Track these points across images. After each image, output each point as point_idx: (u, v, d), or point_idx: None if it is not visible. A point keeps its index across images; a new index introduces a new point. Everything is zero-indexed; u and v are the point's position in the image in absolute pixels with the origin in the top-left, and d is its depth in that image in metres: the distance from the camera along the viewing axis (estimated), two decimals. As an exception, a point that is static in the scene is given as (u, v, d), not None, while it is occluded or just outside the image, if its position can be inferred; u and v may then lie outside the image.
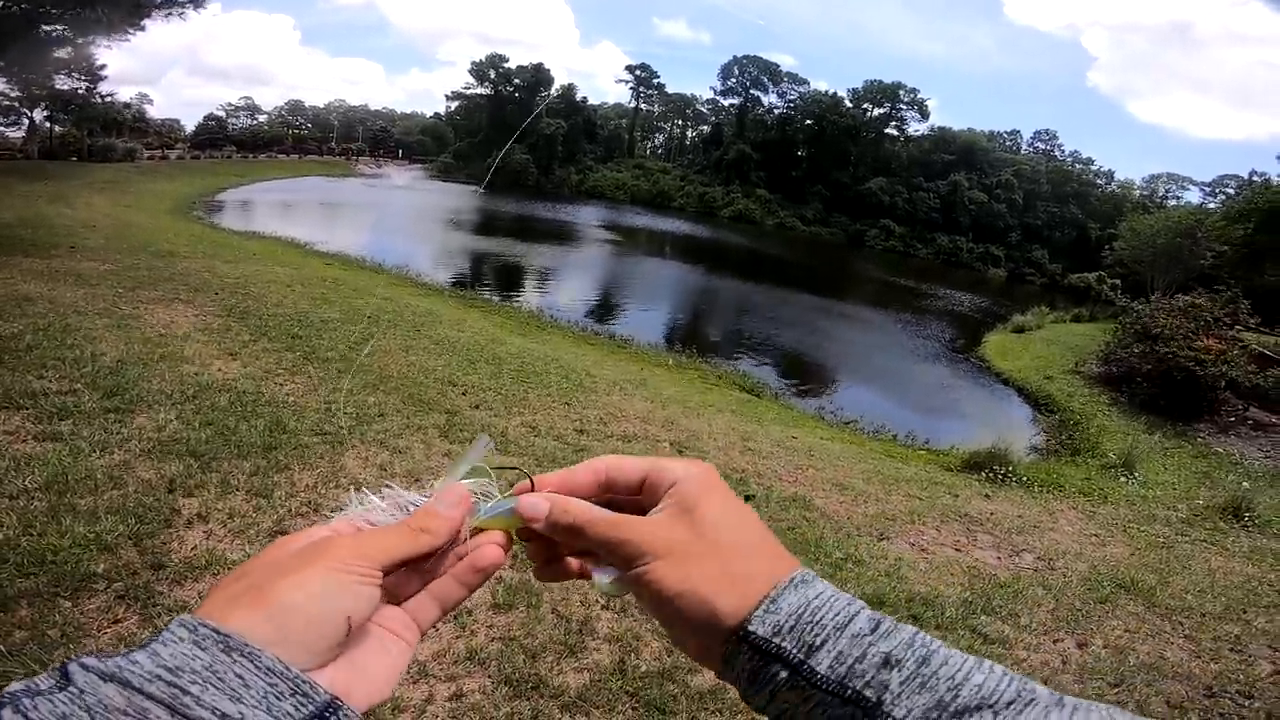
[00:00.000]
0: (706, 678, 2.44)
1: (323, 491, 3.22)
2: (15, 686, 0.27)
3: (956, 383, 15.93)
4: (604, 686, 2.31)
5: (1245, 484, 8.05)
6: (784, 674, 0.35)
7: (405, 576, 0.42)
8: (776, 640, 0.35)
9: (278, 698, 0.30)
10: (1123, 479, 8.29)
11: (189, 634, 0.30)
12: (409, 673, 2.22)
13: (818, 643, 0.35)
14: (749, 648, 0.36)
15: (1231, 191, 49.81)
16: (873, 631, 0.35)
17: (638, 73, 76.09)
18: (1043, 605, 3.57)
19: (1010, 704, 0.31)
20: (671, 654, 2.53)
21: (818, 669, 0.34)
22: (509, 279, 19.49)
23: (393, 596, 0.41)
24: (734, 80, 69.61)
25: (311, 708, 0.30)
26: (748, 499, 4.33)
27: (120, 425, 3.48)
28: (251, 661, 0.30)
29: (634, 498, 0.44)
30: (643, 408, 6.29)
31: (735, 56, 70.13)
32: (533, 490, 0.44)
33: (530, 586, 2.75)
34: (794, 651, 0.35)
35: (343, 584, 0.35)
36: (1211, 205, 43.05)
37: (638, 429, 5.50)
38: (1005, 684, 0.32)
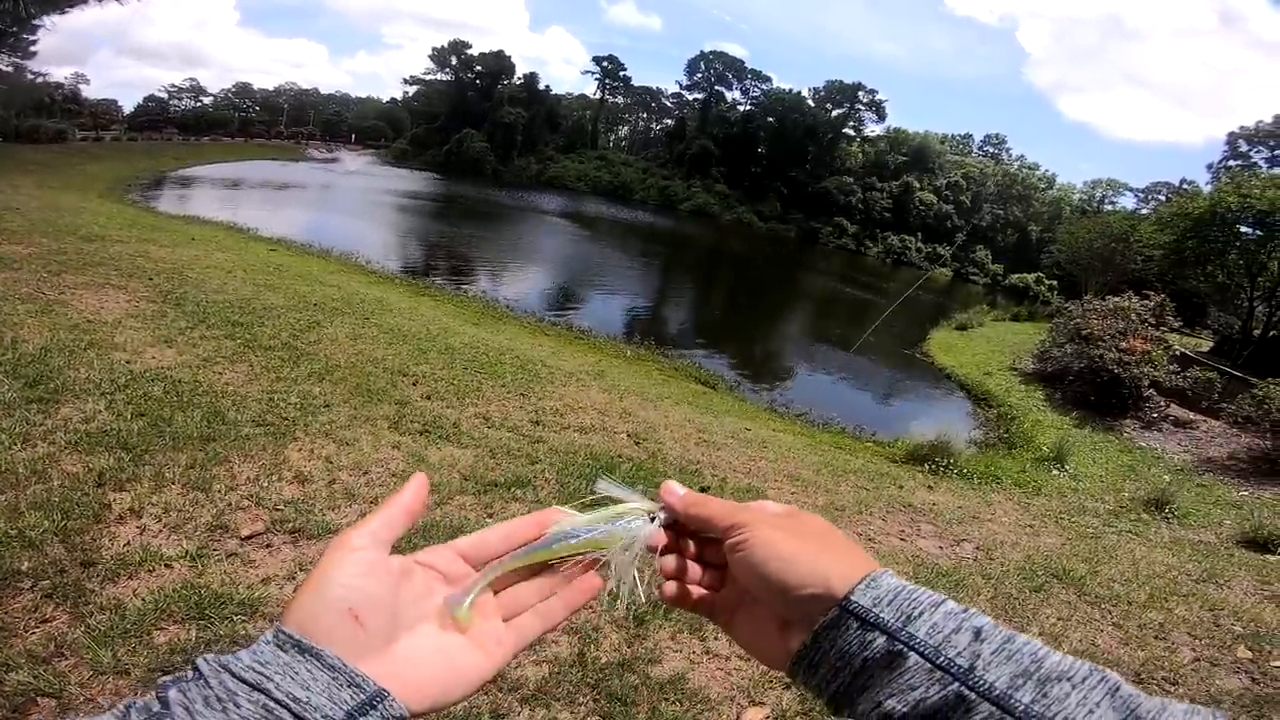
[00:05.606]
0: (666, 668, 2.46)
1: (264, 484, 3.10)
2: (168, 679, 0.34)
3: (902, 377, 16.44)
4: (564, 678, 2.29)
5: (1166, 478, 8.57)
6: (880, 640, 0.39)
7: (519, 591, 0.48)
8: (876, 610, 0.40)
9: (338, 688, 0.35)
10: (1055, 472, 8.71)
11: (273, 638, 0.37)
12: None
13: (915, 613, 0.39)
14: (852, 616, 0.40)
15: (1163, 198, 52.49)
16: (963, 611, 0.40)
17: (605, 64, 75.42)
18: (982, 593, 3.71)
19: (1085, 679, 0.35)
20: (631, 645, 2.53)
21: (916, 634, 0.38)
22: (461, 266, 19.15)
23: (508, 611, 0.47)
24: (700, 75, 69.75)
25: (363, 696, 0.36)
26: (704, 490, 4.38)
27: (44, 416, 3.28)
28: (317, 659, 0.36)
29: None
30: (600, 399, 6.27)
31: (702, 51, 70.28)
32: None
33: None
34: (893, 620, 0.39)
35: (341, 575, 0.39)
36: (1144, 211, 45.29)
37: (595, 420, 5.48)
38: (1079, 664, 0.36)
